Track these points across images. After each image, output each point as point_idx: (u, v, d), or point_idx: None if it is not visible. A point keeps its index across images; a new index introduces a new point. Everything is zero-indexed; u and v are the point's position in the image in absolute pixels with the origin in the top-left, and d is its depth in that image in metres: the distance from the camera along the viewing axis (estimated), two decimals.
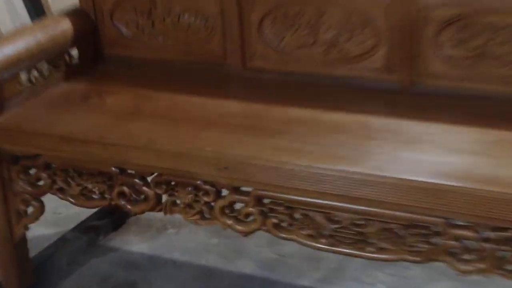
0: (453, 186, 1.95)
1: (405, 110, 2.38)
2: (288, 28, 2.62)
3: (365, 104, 2.45)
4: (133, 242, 3.17)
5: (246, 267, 2.98)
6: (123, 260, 3.05)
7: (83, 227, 3.17)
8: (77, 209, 2.90)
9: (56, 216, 3.29)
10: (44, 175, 2.52)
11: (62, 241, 3.07)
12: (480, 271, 2.06)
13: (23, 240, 2.72)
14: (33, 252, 2.88)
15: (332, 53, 2.58)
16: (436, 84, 2.47)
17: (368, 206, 2.10)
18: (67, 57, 2.80)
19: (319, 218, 2.19)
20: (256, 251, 3.06)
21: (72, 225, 3.18)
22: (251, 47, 2.69)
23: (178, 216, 2.38)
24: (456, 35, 2.40)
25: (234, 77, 2.74)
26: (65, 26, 2.77)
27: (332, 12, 2.53)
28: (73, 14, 2.82)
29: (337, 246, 2.21)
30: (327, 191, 2.10)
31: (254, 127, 2.34)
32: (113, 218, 3.24)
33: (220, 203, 2.30)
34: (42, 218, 2.62)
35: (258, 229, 2.30)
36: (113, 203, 2.46)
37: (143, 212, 2.44)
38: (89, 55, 2.89)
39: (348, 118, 2.36)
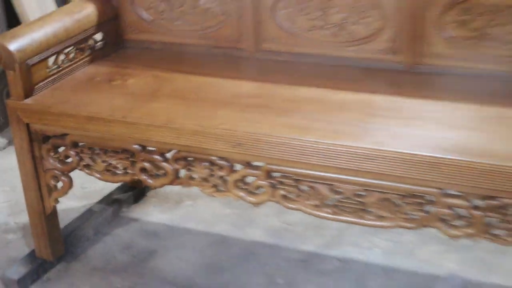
0: (449, 159, 2.09)
1: (408, 89, 2.50)
2: (300, 11, 2.71)
3: (370, 84, 2.56)
4: (153, 213, 3.32)
5: (256, 234, 3.13)
6: (144, 230, 3.19)
7: (108, 200, 3.32)
8: (102, 183, 3.17)
9: (83, 191, 3.46)
10: (72, 152, 2.64)
11: (89, 213, 3.23)
12: (468, 236, 2.19)
13: (54, 212, 2.85)
14: (63, 223, 3.04)
15: (341, 35, 2.69)
16: (438, 64, 2.59)
17: (369, 178, 2.23)
18: (92, 42, 2.90)
19: (323, 189, 2.31)
20: (265, 220, 3.22)
21: (97, 199, 3.35)
22: (264, 30, 2.80)
23: (194, 189, 2.52)
24: (459, 17, 2.51)
25: (248, 59, 2.84)
26: (90, 11, 2.85)
27: None
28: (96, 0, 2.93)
29: (340, 215, 2.33)
30: (332, 165, 2.23)
31: (266, 106, 2.45)
32: (135, 192, 3.39)
33: (234, 177, 2.41)
34: (70, 192, 2.75)
35: (268, 200, 2.41)
36: (135, 178, 2.58)
37: (162, 185, 2.54)
38: (112, 40, 3.01)
39: (354, 97, 2.47)
